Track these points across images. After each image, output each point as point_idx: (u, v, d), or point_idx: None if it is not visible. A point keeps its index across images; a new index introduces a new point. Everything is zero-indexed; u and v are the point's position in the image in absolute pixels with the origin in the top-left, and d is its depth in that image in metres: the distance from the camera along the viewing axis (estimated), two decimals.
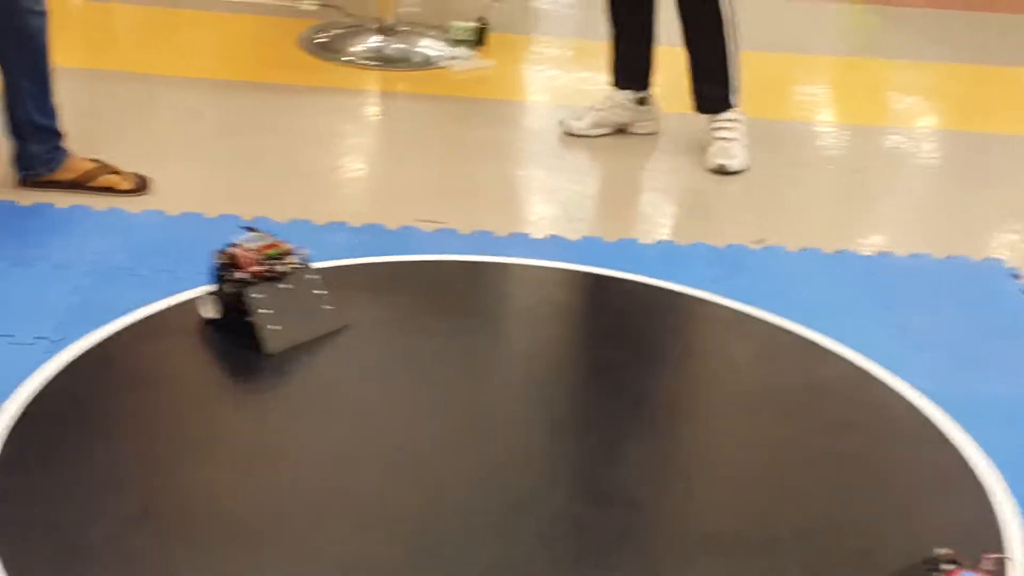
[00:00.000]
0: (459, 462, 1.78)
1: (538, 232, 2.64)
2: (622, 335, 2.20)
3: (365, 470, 1.76)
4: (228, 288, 1.99)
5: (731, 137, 3.00)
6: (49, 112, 2.52)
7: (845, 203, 2.96)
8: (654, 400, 1.97)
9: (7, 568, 1.48)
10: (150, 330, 2.05)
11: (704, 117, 3.03)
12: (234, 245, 2.01)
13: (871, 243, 2.69)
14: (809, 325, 2.23)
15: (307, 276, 2.05)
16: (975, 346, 2.27)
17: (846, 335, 2.21)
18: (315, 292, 2.03)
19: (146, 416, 1.83)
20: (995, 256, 2.60)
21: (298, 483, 1.70)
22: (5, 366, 1.92)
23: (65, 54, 2.63)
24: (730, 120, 3.01)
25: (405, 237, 2.54)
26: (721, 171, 2.97)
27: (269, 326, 1.95)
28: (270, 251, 2.03)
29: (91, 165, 2.59)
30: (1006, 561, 1.55)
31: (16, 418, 1.76)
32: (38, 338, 2.03)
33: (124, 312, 2.09)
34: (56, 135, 2.54)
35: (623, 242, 2.63)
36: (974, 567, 1.47)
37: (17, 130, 2.51)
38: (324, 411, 1.89)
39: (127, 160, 2.69)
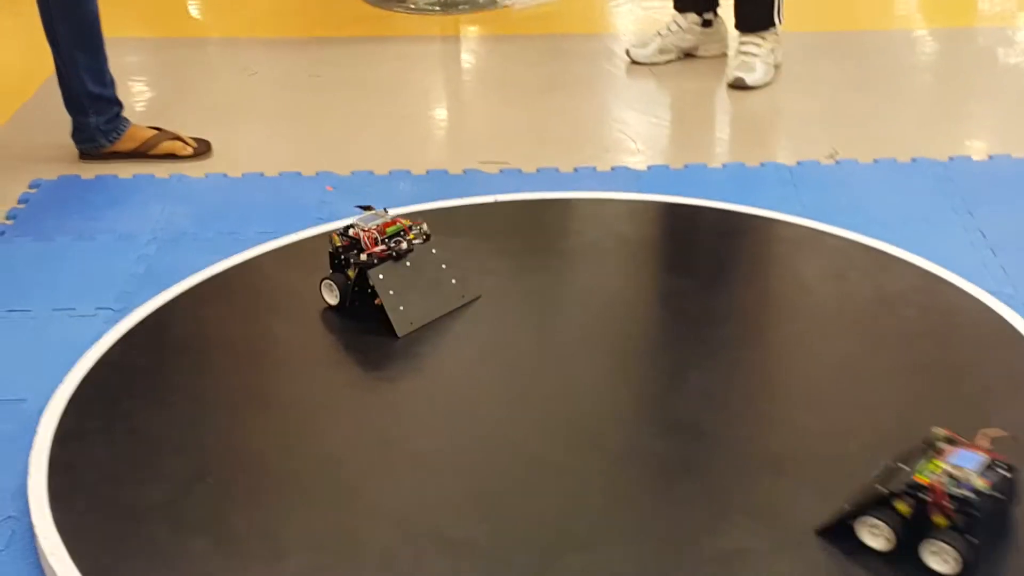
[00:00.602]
0: (527, 397, 1.75)
1: (604, 165, 2.60)
2: (691, 261, 2.16)
3: (428, 413, 1.74)
4: (349, 272, 1.91)
5: (755, 53, 2.96)
6: (105, 82, 2.53)
7: (917, 110, 2.86)
8: (725, 325, 1.92)
9: (64, 540, 1.49)
10: (211, 293, 2.05)
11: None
12: (351, 226, 1.94)
13: (946, 148, 2.60)
14: (883, 237, 2.16)
15: (431, 251, 1.96)
16: None
17: (922, 244, 2.14)
18: (440, 267, 1.95)
19: (206, 380, 1.83)
20: None
21: (358, 438, 1.68)
22: (67, 339, 1.94)
23: (116, 23, 2.65)
24: (760, 38, 2.97)
25: (468, 180, 2.51)
26: (739, 85, 2.94)
27: (397, 308, 1.88)
28: (389, 229, 1.95)
29: (151, 133, 2.60)
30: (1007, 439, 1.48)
31: (75, 389, 1.77)
32: (100, 308, 2.04)
33: (187, 277, 2.09)
34: (114, 105, 2.56)
35: (691, 168, 2.57)
36: (969, 445, 1.44)
37: (74, 103, 2.53)
38: (383, 361, 1.87)
39: (187, 125, 2.70)
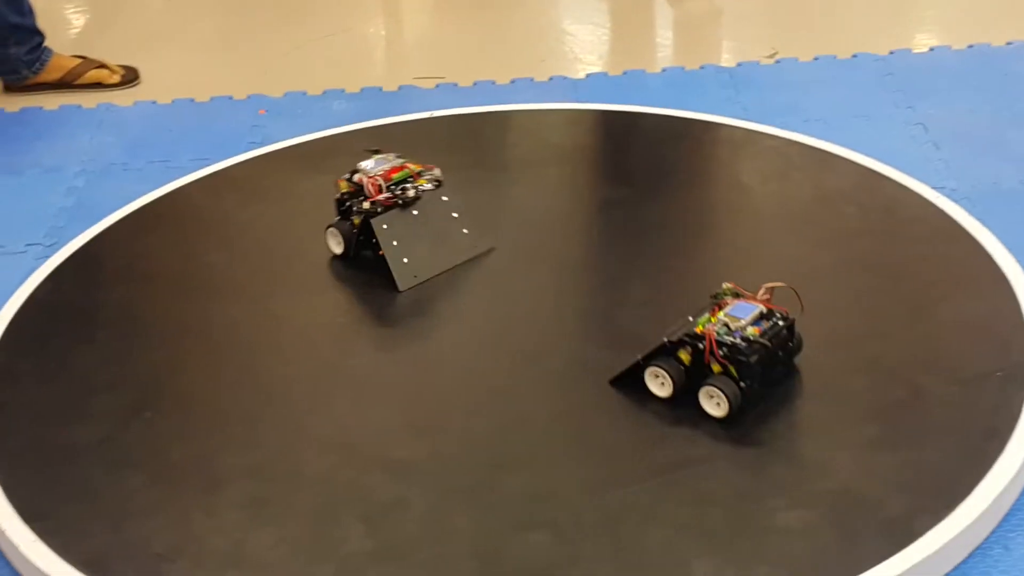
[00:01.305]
0: (465, 316, 1.73)
1: (541, 75, 2.56)
2: (631, 169, 2.12)
3: (366, 338, 1.72)
4: (354, 220, 1.80)
5: None
6: (24, 11, 2.45)
7: (858, 4, 2.83)
8: (667, 232, 1.89)
9: (2, 482, 1.46)
10: (144, 224, 2.00)
11: None
12: (355, 171, 1.83)
13: (887, 42, 2.57)
14: (825, 135, 2.14)
15: (441, 199, 1.84)
16: (997, 136, 2.17)
17: (864, 141, 2.12)
18: (451, 216, 1.83)
19: (141, 314, 1.79)
20: (1018, 39, 2.47)
21: (298, 370, 1.65)
22: None
23: None
24: None
25: (404, 97, 2.47)
26: None
27: (401, 260, 1.77)
28: (396, 175, 1.82)
29: (76, 62, 2.54)
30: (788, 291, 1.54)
31: (5, 329, 1.73)
32: (29, 245, 1.99)
33: (118, 209, 2.04)
34: (35, 35, 2.48)
35: (629, 74, 2.54)
36: (750, 298, 1.53)
37: None
38: (323, 289, 1.84)
39: (113, 53, 2.64)
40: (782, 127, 2.18)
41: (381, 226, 1.77)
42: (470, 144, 2.24)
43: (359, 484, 1.43)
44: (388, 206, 1.78)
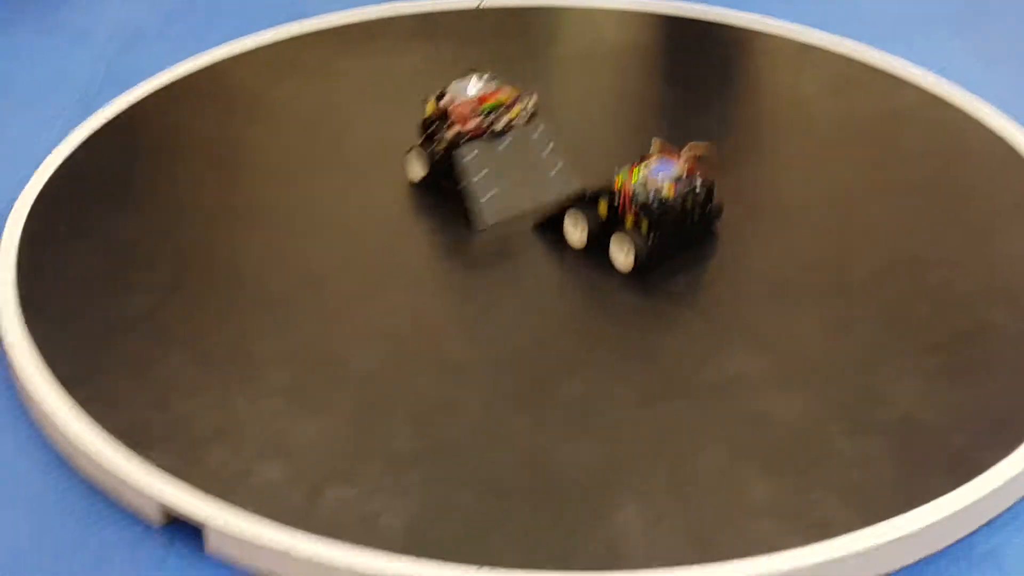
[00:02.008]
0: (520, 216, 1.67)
1: None
2: (680, 76, 2.06)
3: (416, 227, 1.67)
4: (437, 148, 1.66)
5: None
6: None
7: None
8: (720, 144, 1.83)
9: (38, 344, 1.42)
10: (181, 96, 1.94)
11: None
12: (445, 94, 1.68)
13: None
14: (881, 48, 2.07)
15: (535, 131, 1.69)
16: None
17: (921, 56, 2.05)
18: (543, 151, 1.69)
19: (180, 187, 1.73)
20: None
21: (349, 256, 1.60)
22: (28, 141, 1.83)
23: None
24: None
25: None
26: None
27: (484, 195, 1.64)
28: (488, 103, 1.66)
29: None
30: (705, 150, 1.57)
31: (41, 192, 1.67)
32: (61, 109, 1.93)
33: (152, 77, 1.97)
34: None
35: None
36: (674, 156, 1.56)
37: None
38: (355, 172, 1.78)
39: None
40: (841, 35, 2.11)
41: (464, 158, 1.65)
42: (520, 40, 2.16)
43: (408, 381, 1.40)
44: (476, 136, 1.65)
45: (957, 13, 2.26)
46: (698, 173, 1.56)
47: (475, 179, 1.63)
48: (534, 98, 1.68)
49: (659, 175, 1.54)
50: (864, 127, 1.88)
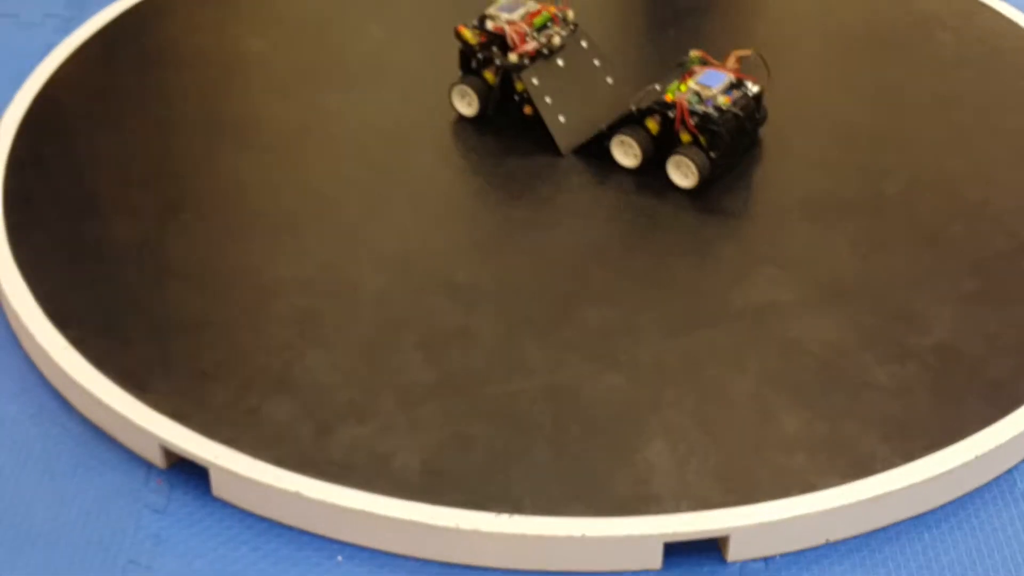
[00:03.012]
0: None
1: None
2: None
3: (435, 154, 1.58)
4: (487, 75, 1.56)
5: None
6: None
7: None
8: (736, 46, 1.75)
9: (27, 279, 1.35)
10: (173, 3, 1.84)
11: None
12: (484, 18, 1.57)
13: None
14: None
15: (581, 44, 1.60)
16: None
17: None
18: (594, 63, 1.60)
19: (177, 104, 1.64)
20: None
21: (355, 177, 1.53)
22: (12, 51, 1.74)
23: None
24: None
25: None
26: None
27: (557, 118, 1.55)
28: (537, 19, 1.57)
29: None
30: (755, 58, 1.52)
31: (27, 109, 1.59)
32: (47, 16, 1.83)
33: None
34: None
35: None
36: (719, 66, 1.50)
37: None
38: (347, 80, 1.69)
39: None
40: None
41: (531, 80, 1.54)
42: None
43: (419, 307, 1.33)
44: (532, 57, 1.55)
45: None
46: (747, 79, 1.50)
47: (546, 102, 1.54)
48: (569, 11, 1.59)
49: (713, 86, 1.47)
50: (897, 32, 1.79)
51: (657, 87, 1.49)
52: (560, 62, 1.56)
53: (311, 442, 1.18)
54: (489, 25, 1.56)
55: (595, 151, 1.52)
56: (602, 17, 1.82)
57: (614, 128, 1.50)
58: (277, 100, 1.64)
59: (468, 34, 1.57)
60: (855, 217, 1.45)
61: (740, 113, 1.47)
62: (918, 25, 1.80)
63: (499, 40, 1.55)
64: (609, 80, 1.60)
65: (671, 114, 1.46)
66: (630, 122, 1.49)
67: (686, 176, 1.47)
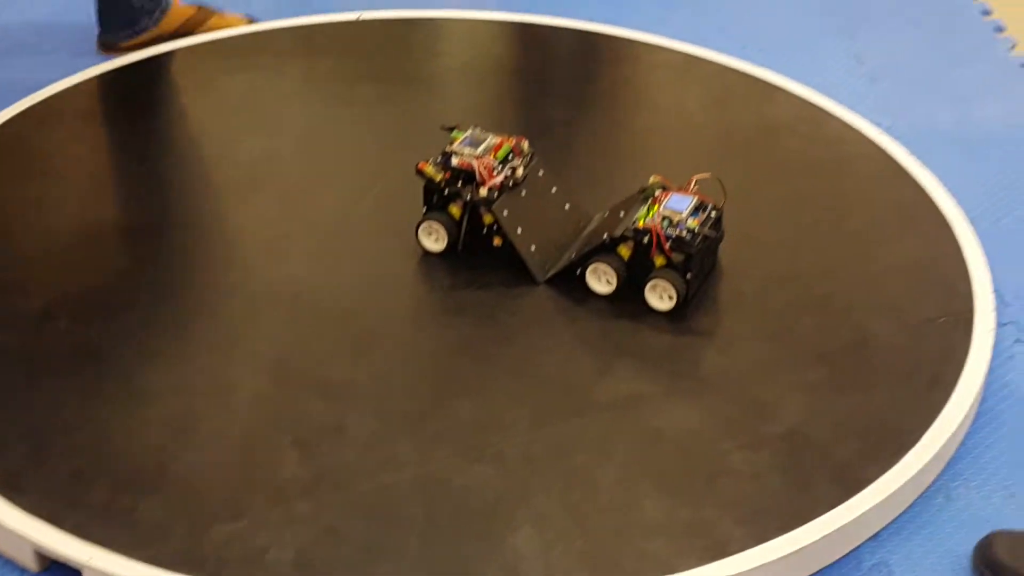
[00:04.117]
0: (402, 232, 1.64)
1: None
2: (565, 88, 2.06)
3: (296, 248, 1.63)
4: (452, 210, 1.58)
5: None
6: None
7: None
8: (604, 156, 1.84)
9: None
10: (47, 114, 1.87)
11: None
12: (448, 155, 1.57)
13: None
14: (762, 62, 2.09)
15: (539, 173, 1.61)
16: (933, 74, 2.15)
17: (801, 70, 2.08)
18: (551, 191, 1.62)
19: (50, 209, 1.68)
20: None
21: (238, 284, 1.58)
22: None
23: None
24: None
25: None
26: None
27: (530, 247, 1.56)
28: (500, 152, 1.58)
29: (193, 10, 2.27)
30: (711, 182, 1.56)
31: None
32: None
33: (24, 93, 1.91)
34: None
35: None
36: (681, 190, 1.54)
37: None
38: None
39: None
40: (719, 50, 2.13)
41: (503, 212, 1.56)
42: (402, 52, 2.13)
43: (294, 407, 1.37)
44: (500, 189, 1.57)
45: (838, 27, 2.30)
46: (709, 203, 1.53)
47: (519, 232, 1.56)
48: (524, 142, 1.62)
49: (681, 210, 1.50)
50: (749, 139, 1.89)
51: (621, 214, 1.53)
52: (523, 192, 1.59)
53: (185, 540, 1.20)
54: (455, 161, 1.57)
55: (564, 279, 1.54)
56: None
57: (588, 256, 1.51)
58: (152, 205, 1.69)
59: (431, 171, 1.58)
60: (714, 313, 1.53)
61: (711, 234, 1.50)
62: (770, 132, 1.91)
63: (465, 175, 1.56)
64: (567, 206, 1.63)
65: (646, 240, 1.48)
66: (602, 250, 1.51)
67: (661, 299, 1.49)
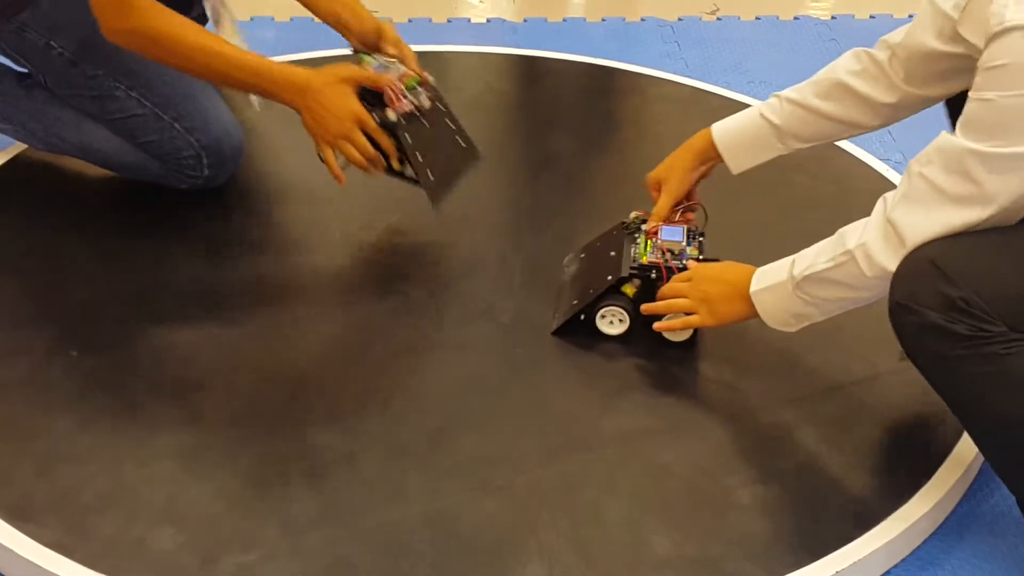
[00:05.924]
0: (406, 274, 1.65)
1: (478, 16, 2.48)
2: (574, 122, 2.06)
3: (298, 282, 1.64)
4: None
5: None
6: None
7: None
8: (614, 188, 1.85)
9: None
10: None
11: None
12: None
13: (830, 6, 2.55)
14: (767, 97, 2.09)
15: (440, 107, 1.67)
16: (942, 110, 2.15)
17: None
18: (448, 125, 1.69)
19: (59, 245, 1.69)
20: None
21: (228, 307, 1.58)
22: None
23: None
24: None
25: None
26: None
27: (427, 175, 1.62)
28: (407, 80, 1.62)
29: None
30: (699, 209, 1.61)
31: None
32: None
33: None
34: None
35: (570, 21, 2.47)
36: (668, 221, 1.56)
37: None
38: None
39: None
40: (725, 86, 2.14)
41: (406, 138, 1.60)
42: None
43: (304, 440, 1.37)
44: (407, 116, 1.61)
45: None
46: (695, 227, 1.56)
47: (418, 159, 1.60)
48: (430, 76, 1.66)
49: (678, 240, 1.52)
50: (757, 175, 1.88)
51: (611, 254, 1.53)
52: (426, 122, 1.63)
53: (195, 571, 1.20)
54: (381, 84, 1.59)
55: (570, 328, 1.52)
56: None
57: (595, 303, 1.50)
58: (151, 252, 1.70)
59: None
60: (722, 347, 1.53)
61: (713, 261, 1.50)
62: (777, 166, 1.91)
63: (378, 97, 1.60)
64: (461, 142, 1.69)
65: (654, 275, 1.49)
66: (608, 293, 1.50)
67: (677, 331, 1.49)
